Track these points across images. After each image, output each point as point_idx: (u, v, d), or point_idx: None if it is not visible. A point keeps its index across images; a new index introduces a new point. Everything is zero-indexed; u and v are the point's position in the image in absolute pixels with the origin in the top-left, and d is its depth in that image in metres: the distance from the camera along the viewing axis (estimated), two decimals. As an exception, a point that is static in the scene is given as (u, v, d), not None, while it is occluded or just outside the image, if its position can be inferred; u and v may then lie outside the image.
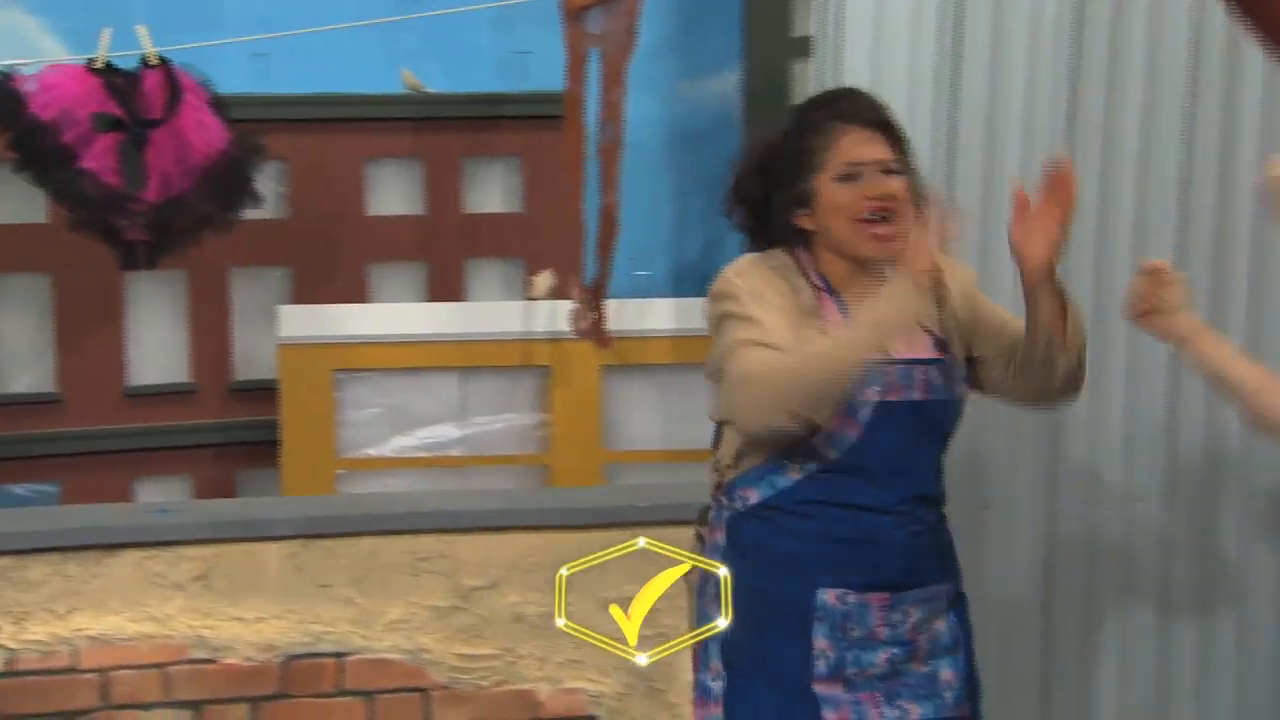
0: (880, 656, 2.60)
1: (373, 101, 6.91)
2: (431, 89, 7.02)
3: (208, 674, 3.51)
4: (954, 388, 2.67)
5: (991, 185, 3.38)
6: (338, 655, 3.53)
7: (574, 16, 3.87)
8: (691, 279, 3.88)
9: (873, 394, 2.54)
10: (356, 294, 6.84)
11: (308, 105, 6.69)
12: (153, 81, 3.87)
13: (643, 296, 5.15)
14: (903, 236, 2.51)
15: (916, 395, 2.59)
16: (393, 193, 7.14)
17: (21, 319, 6.31)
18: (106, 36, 4.63)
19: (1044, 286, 2.57)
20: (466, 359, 5.19)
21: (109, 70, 4.16)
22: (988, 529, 3.51)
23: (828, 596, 2.58)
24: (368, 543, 3.54)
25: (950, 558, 2.75)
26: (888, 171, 2.56)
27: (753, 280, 2.59)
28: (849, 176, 2.55)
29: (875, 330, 2.41)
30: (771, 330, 2.50)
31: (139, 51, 4.07)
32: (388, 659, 3.53)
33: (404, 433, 5.27)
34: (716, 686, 2.64)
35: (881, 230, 2.55)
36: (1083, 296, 3.39)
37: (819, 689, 2.57)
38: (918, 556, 2.65)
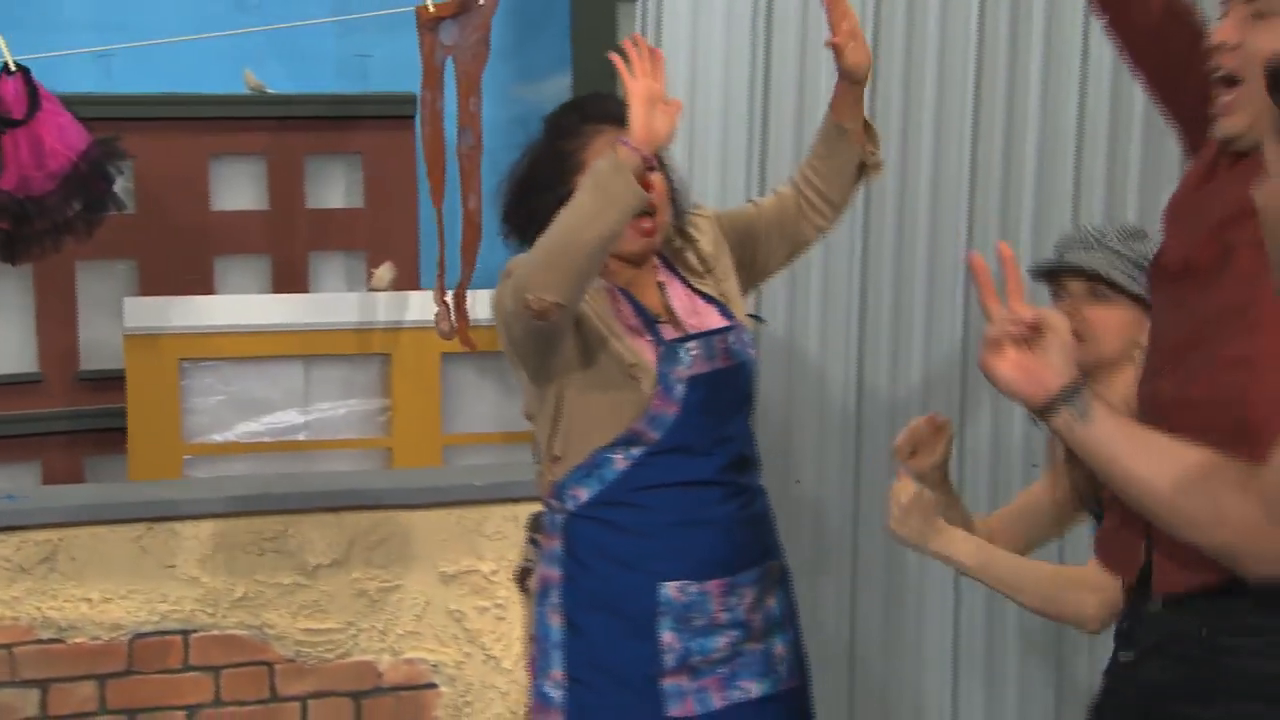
0: (721, 641, 2.54)
1: (217, 101, 6.81)
2: (274, 90, 6.94)
3: (55, 654, 3.44)
4: (747, 350, 2.63)
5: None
6: (184, 633, 3.48)
7: (428, 27, 3.85)
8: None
9: (684, 371, 2.51)
10: (203, 286, 6.74)
11: (152, 105, 6.56)
12: (11, 88, 3.78)
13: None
14: (662, 229, 2.53)
15: (720, 364, 2.55)
16: (238, 189, 7.05)
17: None
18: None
19: (858, 88, 2.67)
20: (310, 348, 5.14)
21: None
22: (799, 504, 3.56)
23: (670, 590, 2.49)
24: (213, 524, 3.49)
25: (773, 532, 2.69)
26: (648, 168, 2.44)
27: None
28: None
29: (596, 191, 2.32)
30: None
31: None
32: (234, 635, 3.49)
33: (250, 419, 5.22)
34: (558, 695, 2.52)
35: (646, 225, 2.51)
36: (882, 287, 3.45)
37: (666, 683, 2.49)
38: (747, 533, 2.59)
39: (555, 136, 2.60)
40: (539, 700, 2.56)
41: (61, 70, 6.99)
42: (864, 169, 2.78)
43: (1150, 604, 2.06)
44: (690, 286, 2.63)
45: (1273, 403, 1.81)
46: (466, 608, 3.61)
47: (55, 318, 6.44)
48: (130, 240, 6.30)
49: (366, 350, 5.12)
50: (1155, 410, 1.96)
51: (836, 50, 2.66)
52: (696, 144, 3.45)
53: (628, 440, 2.52)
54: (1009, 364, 1.80)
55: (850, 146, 2.74)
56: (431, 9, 3.79)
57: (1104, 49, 3.31)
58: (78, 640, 3.43)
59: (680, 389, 2.50)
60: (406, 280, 6.40)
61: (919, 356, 3.51)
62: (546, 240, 2.35)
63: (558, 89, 7.90)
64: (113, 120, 6.31)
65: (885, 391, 3.55)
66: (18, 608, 3.40)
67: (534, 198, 2.57)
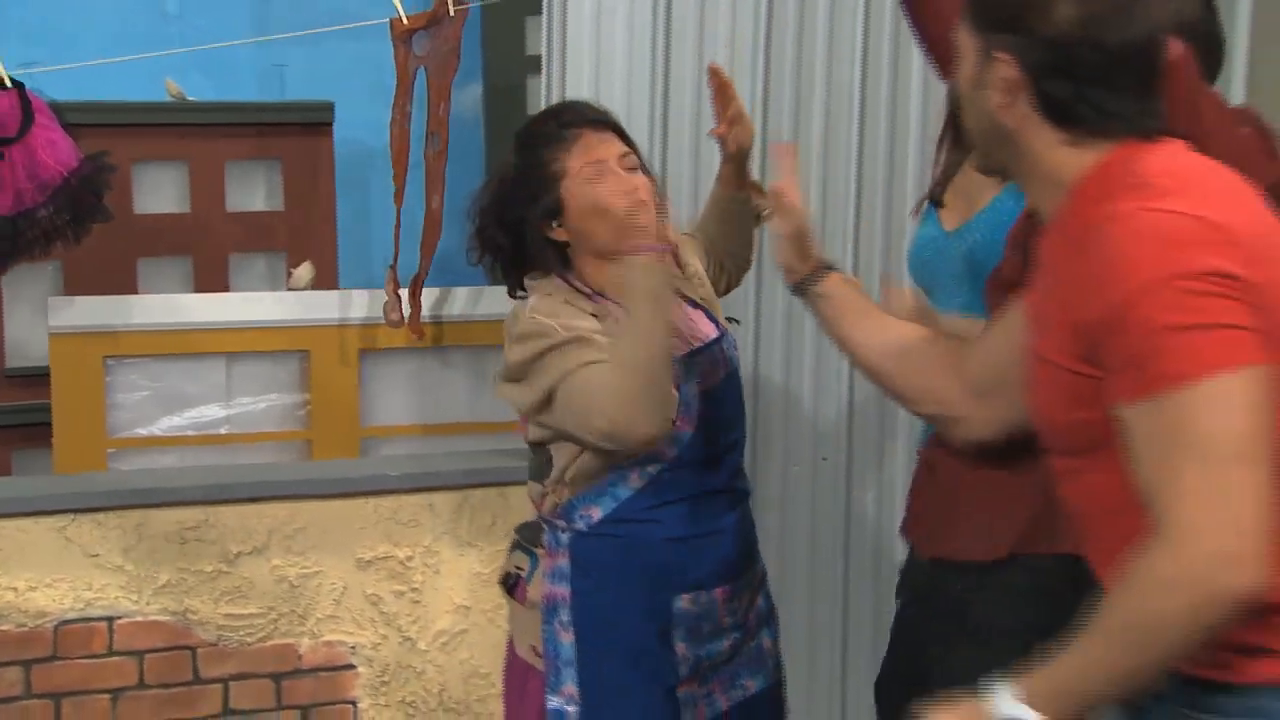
0: (725, 644, 2.50)
1: (138, 109, 6.72)
2: (195, 98, 6.86)
3: (-18, 641, 3.37)
4: (735, 354, 2.58)
5: (700, 185, 3.44)
6: (108, 619, 3.43)
7: (401, 39, 3.85)
8: (448, 272, 3.88)
9: (695, 386, 2.42)
10: (127, 287, 6.64)
11: (75, 111, 6.43)
12: (5, 103, 3.70)
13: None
14: (652, 229, 2.36)
15: (722, 373, 2.48)
16: (161, 193, 6.95)
17: None
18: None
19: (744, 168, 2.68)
20: (231, 345, 5.08)
21: None
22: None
23: (684, 602, 2.42)
24: (136, 515, 3.44)
25: (755, 534, 2.63)
26: (630, 168, 2.43)
27: (556, 313, 2.36)
28: (597, 176, 2.39)
29: (652, 306, 2.24)
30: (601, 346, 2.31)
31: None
32: (157, 620, 3.44)
33: (173, 413, 5.14)
34: (572, 710, 2.43)
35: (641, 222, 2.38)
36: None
37: (681, 693, 2.43)
38: (746, 538, 2.54)
39: (534, 145, 2.47)
40: (553, 718, 2.46)
41: (-14, 77, 6.85)
42: (760, 218, 2.76)
43: (919, 561, 2.44)
44: (680, 293, 2.50)
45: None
46: (383, 592, 3.58)
47: (-19, 317, 6.33)
48: (55, 242, 6.20)
49: (288, 347, 5.07)
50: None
51: (721, 139, 2.61)
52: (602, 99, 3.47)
53: (644, 459, 2.41)
54: (779, 251, 2.23)
55: (748, 211, 2.71)
56: (405, 21, 3.81)
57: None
58: (3, 628, 3.37)
59: (695, 404, 2.40)
60: (325, 279, 6.34)
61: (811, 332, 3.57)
62: (627, 379, 2.21)
63: (469, 97, 7.89)
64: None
65: (778, 377, 3.58)
66: (-56, 597, 3.34)
67: (517, 209, 2.44)
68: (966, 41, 1.77)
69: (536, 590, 2.52)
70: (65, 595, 3.41)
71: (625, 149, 2.44)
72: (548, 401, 2.32)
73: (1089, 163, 1.69)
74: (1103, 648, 1.62)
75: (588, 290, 2.42)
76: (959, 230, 2.46)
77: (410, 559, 3.60)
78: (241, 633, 3.51)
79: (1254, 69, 3.75)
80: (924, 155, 3.50)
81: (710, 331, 2.51)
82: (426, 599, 3.61)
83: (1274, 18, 3.79)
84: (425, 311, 4.17)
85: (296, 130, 6.94)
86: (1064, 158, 1.71)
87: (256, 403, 5.24)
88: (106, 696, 3.44)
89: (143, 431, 5.01)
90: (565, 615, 2.44)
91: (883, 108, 3.59)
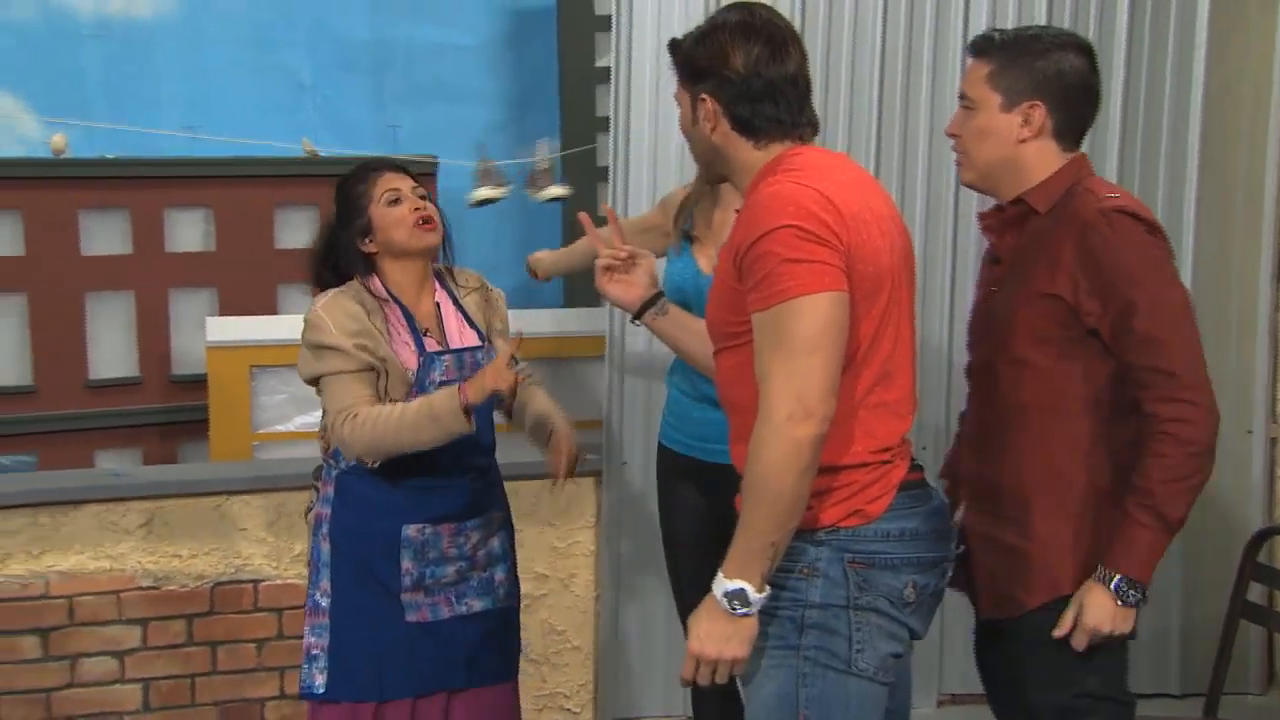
0: (450, 570, 2.69)
1: (280, 163, 6.79)
2: (325, 154, 6.92)
3: (152, 598, 3.41)
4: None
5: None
6: (254, 582, 3.46)
7: None
8: (528, 294, 3.87)
9: (436, 376, 2.62)
10: (269, 307, 6.70)
11: (230, 165, 6.52)
12: None
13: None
14: (439, 233, 2.66)
15: (468, 374, 2.63)
16: (296, 231, 7.01)
17: (3, 330, 6.05)
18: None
19: None
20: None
21: None
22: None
23: (410, 531, 2.64)
24: (277, 496, 3.47)
25: (499, 490, 2.82)
26: (420, 196, 2.69)
27: (335, 311, 2.59)
28: (394, 200, 2.65)
29: (437, 436, 2.51)
30: (357, 399, 2.56)
31: (92, 127, 3.91)
32: (292, 584, 3.46)
33: (306, 412, 5.18)
34: (325, 602, 2.66)
35: (428, 226, 2.65)
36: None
37: (405, 598, 2.64)
38: (476, 494, 2.72)
39: (349, 187, 2.71)
40: (311, 606, 2.69)
41: (159, 139, 6.93)
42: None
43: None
44: (459, 307, 2.74)
45: None
46: (477, 560, 3.57)
47: (153, 331, 6.41)
48: (212, 272, 6.28)
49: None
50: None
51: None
52: (660, 153, 3.50)
53: None
54: (614, 284, 2.38)
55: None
56: None
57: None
58: (170, 587, 3.40)
59: (433, 390, 2.59)
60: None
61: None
62: (378, 438, 2.52)
63: (547, 150, 7.94)
64: (200, 178, 6.28)
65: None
66: (123, 561, 3.38)
67: (341, 233, 2.68)
68: (682, 94, 2.10)
69: (312, 515, 2.76)
70: (219, 562, 3.44)
71: (416, 184, 2.72)
72: (315, 381, 2.63)
73: (770, 157, 2.04)
74: (752, 509, 1.86)
75: (379, 294, 2.65)
76: (710, 278, 2.61)
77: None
78: (362, 593, 3.51)
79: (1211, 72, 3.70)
80: (935, 150, 3.48)
81: (473, 341, 2.72)
82: (513, 567, 3.61)
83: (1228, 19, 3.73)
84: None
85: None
86: (753, 158, 2.05)
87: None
88: (253, 645, 3.47)
89: (282, 427, 5.05)
90: (324, 529, 2.68)
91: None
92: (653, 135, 3.50)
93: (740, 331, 1.97)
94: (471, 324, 2.75)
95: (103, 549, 3.37)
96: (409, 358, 2.60)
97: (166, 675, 3.41)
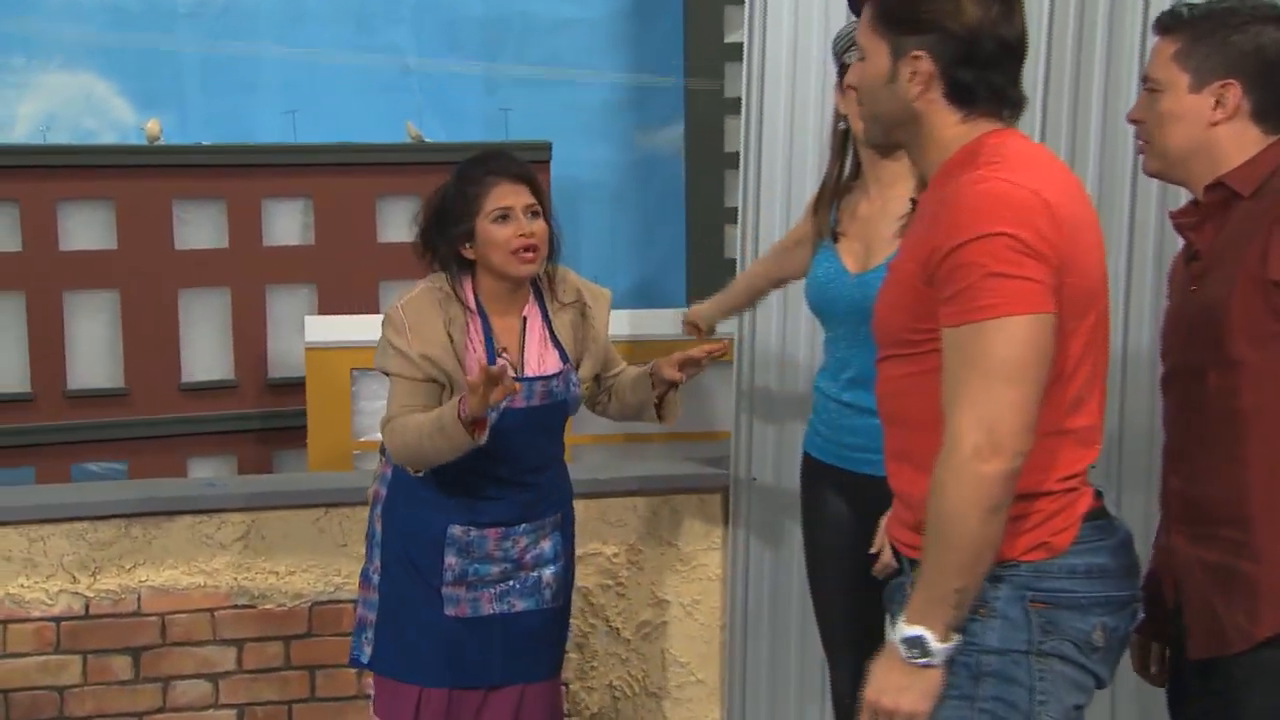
0: (495, 570, 2.83)
1: (383, 150, 6.91)
2: (430, 139, 7.02)
3: (248, 617, 3.49)
4: (569, 390, 2.86)
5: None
6: (354, 602, 3.51)
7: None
8: (646, 292, 3.88)
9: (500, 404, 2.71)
10: (370, 306, 6.83)
11: (329, 153, 6.67)
12: None
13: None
14: (539, 263, 2.78)
15: (536, 402, 2.79)
16: (398, 224, 7.14)
17: (95, 327, 6.26)
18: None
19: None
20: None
21: None
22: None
23: (456, 530, 2.79)
24: (379, 509, 3.53)
25: (560, 492, 2.94)
26: (531, 215, 2.77)
27: (414, 315, 2.75)
28: (502, 217, 2.74)
29: (442, 435, 2.62)
30: (406, 407, 2.71)
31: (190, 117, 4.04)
32: (396, 604, 3.53)
33: (409, 419, 5.27)
34: (375, 578, 2.87)
35: (528, 256, 2.75)
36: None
37: (446, 591, 2.80)
38: (527, 504, 2.85)
39: (464, 183, 2.81)
40: (363, 579, 2.92)
41: (255, 124, 7.12)
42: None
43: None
44: (548, 323, 2.86)
45: None
46: (592, 585, 3.60)
47: (249, 331, 6.58)
48: (311, 267, 6.41)
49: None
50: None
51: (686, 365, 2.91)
52: (796, 144, 3.43)
53: None
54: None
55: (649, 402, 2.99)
56: None
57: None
58: (266, 607, 3.48)
59: (493, 414, 2.68)
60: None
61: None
62: (405, 447, 2.70)
63: (673, 135, 7.93)
64: (294, 165, 6.44)
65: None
66: (218, 578, 3.46)
67: (445, 228, 2.80)
68: (873, 44, 1.97)
69: (370, 491, 2.98)
70: (318, 580, 3.51)
71: (533, 200, 2.79)
72: (386, 373, 2.79)
73: (971, 137, 1.93)
74: (935, 550, 1.82)
75: (466, 302, 2.80)
76: (860, 276, 2.72)
77: (616, 556, 3.63)
78: (468, 617, 3.56)
79: None
80: (1109, 137, 3.36)
81: (553, 367, 2.83)
82: (630, 592, 3.63)
83: None
84: (624, 332, 4.14)
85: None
86: (956, 133, 1.94)
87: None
88: (353, 671, 3.53)
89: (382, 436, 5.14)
90: (379, 510, 2.88)
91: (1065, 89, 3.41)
92: (788, 122, 3.48)
93: (918, 340, 1.90)
94: (557, 344, 2.86)
95: (196, 564, 3.47)
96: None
97: (263, 701, 3.49)
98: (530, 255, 2.75)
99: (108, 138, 7.38)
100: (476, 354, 2.74)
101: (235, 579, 3.47)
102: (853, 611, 2.88)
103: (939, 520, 1.80)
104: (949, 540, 1.79)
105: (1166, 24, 2.17)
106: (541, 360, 2.83)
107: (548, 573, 2.90)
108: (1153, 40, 2.19)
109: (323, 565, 3.51)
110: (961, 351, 1.81)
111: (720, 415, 4.02)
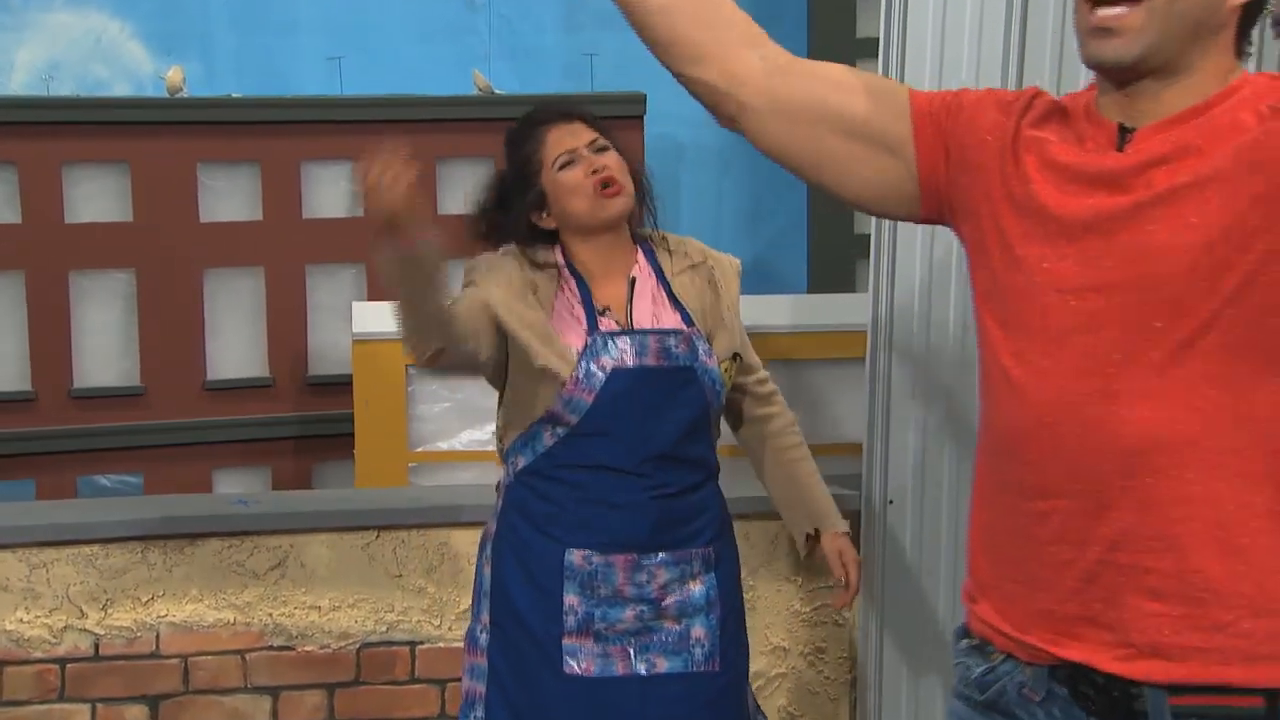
0: (628, 613, 2.80)
1: (445, 103, 6.96)
2: (501, 91, 7.06)
3: (285, 661, 3.55)
4: (696, 357, 2.85)
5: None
6: (410, 644, 3.56)
7: None
8: (760, 273, 3.85)
9: (607, 362, 2.77)
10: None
11: (384, 107, 6.74)
12: None
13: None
14: (628, 196, 2.87)
15: (649, 361, 2.79)
16: (462, 193, 7.18)
17: (106, 314, 6.38)
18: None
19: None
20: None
21: None
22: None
23: (575, 557, 2.79)
24: (439, 534, 3.57)
25: (709, 522, 2.91)
26: (598, 150, 2.88)
27: (487, 261, 2.89)
28: (568, 163, 2.85)
29: (388, 280, 2.66)
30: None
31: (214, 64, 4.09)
32: (458, 648, 3.54)
33: (474, 427, 5.29)
34: (483, 638, 2.87)
35: (611, 190, 2.84)
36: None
37: (567, 642, 2.78)
38: (663, 519, 2.82)
39: (516, 148, 2.93)
40: (469, 641, 2.93)
41: (294, 73, 7.21)
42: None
43: None
44: (665, 284, 2.91)
45: None
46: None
47: (287, 319, 6.66)
48: (359, 244, 6.45)
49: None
50: None
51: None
52: None
53: (550, 419, 2.83)
54: None
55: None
56: None
57: None
58: (307, 648, 3.53)
59: (599, 378, 2.75)
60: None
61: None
62: (396, 320, 2.75)
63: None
64: (338, 123, 6.52)
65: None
66: (250, 613, 3.52)
67: (510, 205, 2.91)
68: None
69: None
70: (368, 617, 3.55)
71: (594, 135, 2.89)
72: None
73: (1236, 74, 1.95)
74: None
75: (554, 262, 2.88)
76: None
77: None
78: (545, 664, 3.58)
79: None
80: None
81: (667, 324, 2.86)
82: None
83: None
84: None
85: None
86: (1232, 62, 1.96)
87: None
88: (407, 726, 3.58)
89: (444, 445, 5.17)
90: (488, 550, 2.91)
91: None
92: (934, 62, 3.45)
93: (1250, 291, 1.84)
94: (678, 306, 2.87)
95: (225, 596, 3.53)
96: (574, 337, 2.76)
97: (301, 759, 3.55)
98: (614, 189, 2.85)
99: (121, 89, 7.50)
100: (574, 313, 2.81)
101: (270, 615, 3.52)
102: None
103: None
104: None
105: None
106: (656, 317, 2.88)
107: (698, 626, 2.85)
108: None
109: (373, 600, 3.55)
110: None
111: (849, 423, 4.00)
